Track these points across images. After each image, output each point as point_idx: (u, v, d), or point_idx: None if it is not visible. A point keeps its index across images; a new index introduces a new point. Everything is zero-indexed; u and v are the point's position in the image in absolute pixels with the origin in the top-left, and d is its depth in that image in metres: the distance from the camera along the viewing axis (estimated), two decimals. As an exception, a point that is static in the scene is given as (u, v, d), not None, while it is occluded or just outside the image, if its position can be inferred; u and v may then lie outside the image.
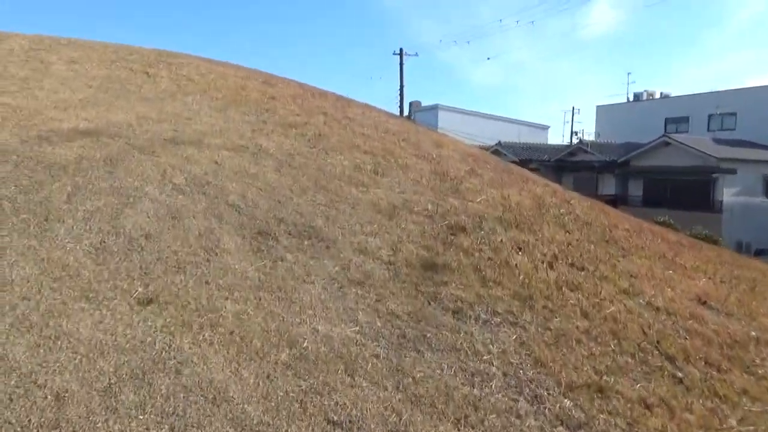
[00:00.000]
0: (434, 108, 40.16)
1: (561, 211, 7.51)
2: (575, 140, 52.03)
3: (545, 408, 3.53)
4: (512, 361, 3.94)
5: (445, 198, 6.87)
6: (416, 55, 31.86)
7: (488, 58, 67.79)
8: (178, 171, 5.63)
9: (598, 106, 42.42)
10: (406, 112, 34.43)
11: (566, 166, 34.03)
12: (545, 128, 43.37)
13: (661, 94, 41.73)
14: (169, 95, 8.72)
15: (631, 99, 42.24)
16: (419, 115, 38.66)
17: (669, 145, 29.49)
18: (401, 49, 31.48)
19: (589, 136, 41.98)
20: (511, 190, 8.17)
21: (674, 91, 40.51)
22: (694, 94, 37.54)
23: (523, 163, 34.07)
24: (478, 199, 7.18)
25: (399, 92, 32.66)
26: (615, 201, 31.92)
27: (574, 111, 48.89)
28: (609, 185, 32.04)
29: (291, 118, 8.96)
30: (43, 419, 2.70)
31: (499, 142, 35.09)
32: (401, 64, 31.44)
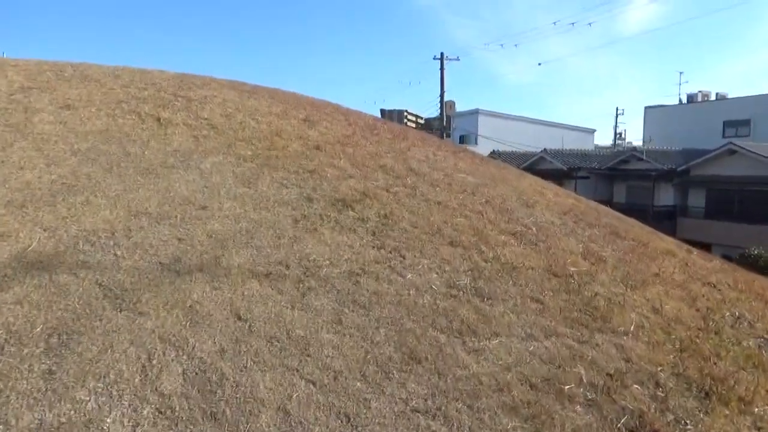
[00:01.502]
0: (474, 113, 37.24)
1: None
2: (619, 142, 48.44)
3: None
4: None
5: (586, 338, 4.28)
6: (457, 59, 29.04)
7: (539, 64, 63.18)
8: (171, 359, 3.15)
9: (646, 108, 38.85)
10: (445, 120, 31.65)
11: (618, 174, 30.88)
12: (591, 132, 39.99)
13: (717, 94, 38.03)
14: (181, 159, 6.28)
15: (684, 100, 38.58)
16: (458, 120, 35.84)
17: (735, 153, 26.13)
18: (442, 54, 28.72)
19: (635, 137, 38.64)
20: (654, 290, 5.53)
21: (731, 92, 36.77)
22: (758, 95, 33.78)
23: (570, 171, 31.12)
24: (632, 327, 4.57)
25: (440, 98, 29.90)
26: (673, 213, 28.77)
27: (618, 112, 45.26)
28: (666, 196, 28.83)
29: (344, 185, 6.45)
30: None
31: (545, 149, 32.07)
32: (441, 68, 28.67)
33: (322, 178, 6.57)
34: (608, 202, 32.05)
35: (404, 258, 4.93)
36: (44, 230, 4.21)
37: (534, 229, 6.68)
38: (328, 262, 4.53)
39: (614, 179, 31.33)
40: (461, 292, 4.53)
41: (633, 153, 29.93)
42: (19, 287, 3.50)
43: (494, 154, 34.37)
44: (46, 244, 4.03)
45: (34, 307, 3.34)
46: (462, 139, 37.40)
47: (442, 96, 29.56)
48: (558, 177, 31.58)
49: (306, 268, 4.37)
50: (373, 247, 5.00)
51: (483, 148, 35.47)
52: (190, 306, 3.59)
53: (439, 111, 32.76)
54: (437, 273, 4.79)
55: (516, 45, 70.41)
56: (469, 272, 4.93)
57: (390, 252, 4.98)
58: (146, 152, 6.32)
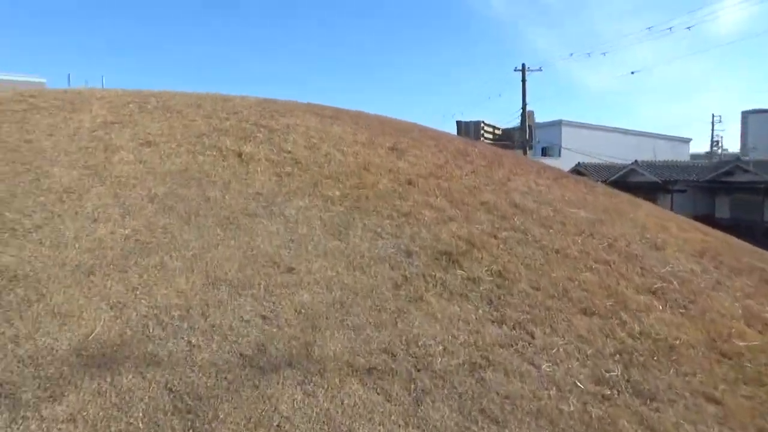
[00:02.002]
0: (557, 124, 35.36)
1: None
2: (714, 149, 44.60)
3: None
4: None
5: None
6: (540, 70, 27.47)
7: (632, 72, 59.30)
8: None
9: (745, 113, 35.42)
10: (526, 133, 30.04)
11: (720, 187, 28.12)
12: (686, 141, 36.94)
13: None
14: (264, 204, 5.58)
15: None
16: (540, 132, 34.09)
17: None
18: (523, 65, 27.23)
19: (732, 146, 35.31)
20: None
21: None
22: None
23: (665, 184, 28.67)
24: None
25: (521, 111, 28.41)
26: (786, 230, 25.76)
27: (714, 119, 41.63)
28: (778, 211, 25.88)
29: (445, 231, 5.52)
30: None
31: (636, 161, 29.79)
32: (523, 80, 27.19)
33: (419, 222, 5.68)
34: (709, 217, 29.30)
35: (533, 337, 3.92)
36: (111, 308, 3.55)
37: (675, 282, 5.48)
38: (441, 347, 3.61)
39: (716, 193, 28.58)
40: (614, 391, 3.47)
41: (738, 164, 27.13)
42: (75, 395, 2.81)
43: (579, 167, 32.37)
44: (112, 327, 3.36)
45: (90, 427, 2.63)
46: (544, 152, 35.60)
47: (524, 109, 28.07)
48: (651, 191, 29.22)
49: (416, 357, 3.47)
50: (493, 322, 4.03)
51: (566, 160, 33.54)
52: (278, 425, 2.77)
53: (519, 122, 31.25)
54: (578, 359, 3.75)
55: (604, 54, 66.52)
56: (617, 356, 3.86)
57: (514, 328, 4.00)
58: (227, 196, 5.67)
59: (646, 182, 28.99)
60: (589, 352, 3.85)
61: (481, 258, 5.05)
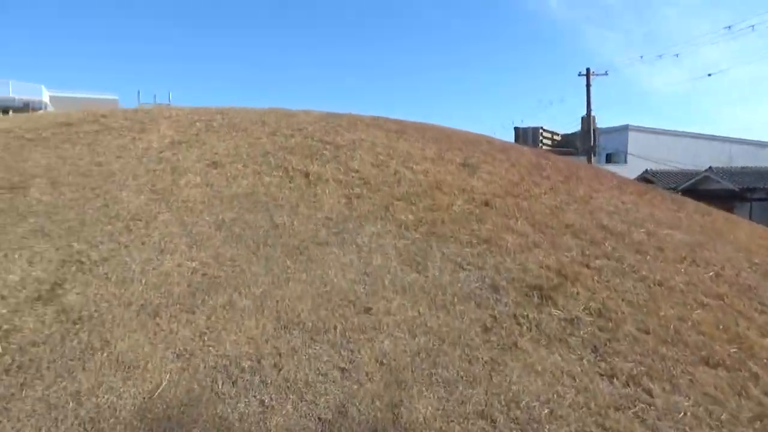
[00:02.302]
0: (623, 129, 33.73)
1: None
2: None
3: None
4: None
5: None
6: (606, 74, 26.15)
7: (709, 75, 55.72)
8: None
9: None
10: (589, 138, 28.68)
11: (807, 195, 25.91)
12: (765, 146, 34.39)
13: None
14: (335, 231, 5.20)
15: None
16: (604, 138, 32.59)
17: None
18: (588, 69, 25.96)
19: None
20: None
21: None
22: None
23: (743, 192, 26.68)
24: None
25: (586, 116, 27.13)
26: None
27: None
28: None
29: (531, 260, 4.98)
30: None
31: (711, 167, 27.91)
32: (588, 85, 25.93)
33: (501, 250, 5.15)
34: (794, 228, 27.06)
35: (651, 395, 3.32)
36: (177, 357, 3.23)
37: (803, 321, 4.71)
38: (547, 410, 3.08)
39: (802, 201, 26.35)
40: (765, 473, 2.84)
41: (827, 170, 24.91)
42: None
43: (647, 174, 30.67)
44: (179, 382, 3.03)
45: None
46: (609, 158, 34.03)
47: (588, 114, 26.77)
48: (728, 199, 27.27)
49: (519, 424, 2.95)
50: (602, 376, 3.46)
51: (633, 167, 31.88)
52: None
53: (579, 127, 29.89)
54: (711, 426, 3.13)
55: (677, 55, 63.01)
56: (758, 424, 3.21)
57: (627, 384, 3.41)
58: (295, 222, 5.33)
59: (722, 190, 27.07)
60: (722, 416, 3.22)
61: (577, 293, 4.47)
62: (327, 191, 6.23)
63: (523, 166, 8.62)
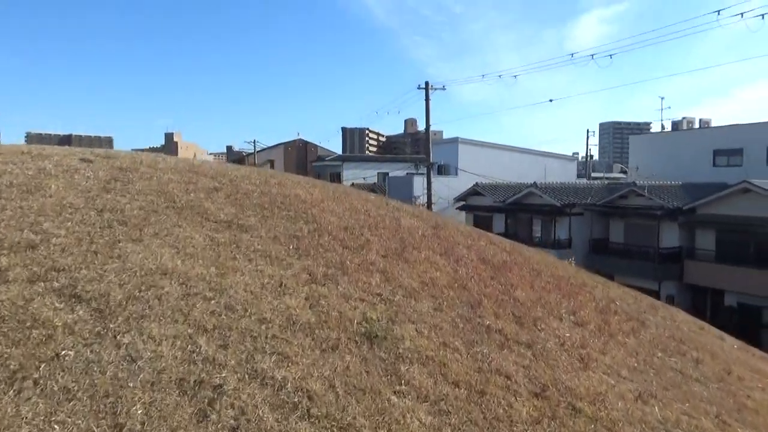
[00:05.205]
0: (454, 141, 32.84)
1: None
2: (589, 162, 44.85)
3: None
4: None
5: None
6: (443, 88, 24.37)
7: (551, 100, 57.91)
8: None
9: (632, 137, 35.22)
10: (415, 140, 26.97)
11: (615, 211, 26.81)
12: (573, 159, 36.09)
13: (701, 121, 34.74)
14: None
15: (668, 127, 35.13)
16: (435, 149, 31.25)
17: (749, 191, 22.41)
18: (427, 83, 23.89)
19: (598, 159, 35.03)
20: None
21: (714, 119, 33.55)
22: (750, 123, 30.58)
23: (564, 207, 26.89)
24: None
25: (425, 131, 25.20)
26: (679, 255, 24.76)
27: (589, 134, 41.40)
28: (671, 236, 24.82)
29: None
30: None
31: (535, 183, 27.82)
32: (427, 98, 23.86)
33: None
34: (604, 241, 28.06)
35: None
36: None
37: None
38: None
39: (611, 216, 27.25)
40: None
41: (633, 189, 25.90)
42: None
43: (477, 187, 29.98)
44: None
45: None
46: (440, 170, 32.92)
47: (427, 129, 24.78)
48: (550, 214, 27.41)
49: None
50: None
51: (463, 180, 31.09)
52: None
53: (402, 130, 28.40)
54: None
55: (483, 76, 65.51)
56: None
57: None
58: None
59: (545, 205, 27.08)
60: None
61: None
62: None
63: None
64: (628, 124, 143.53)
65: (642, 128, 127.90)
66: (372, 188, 38.72)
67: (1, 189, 5.12)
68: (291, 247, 5.08)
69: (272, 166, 47.58)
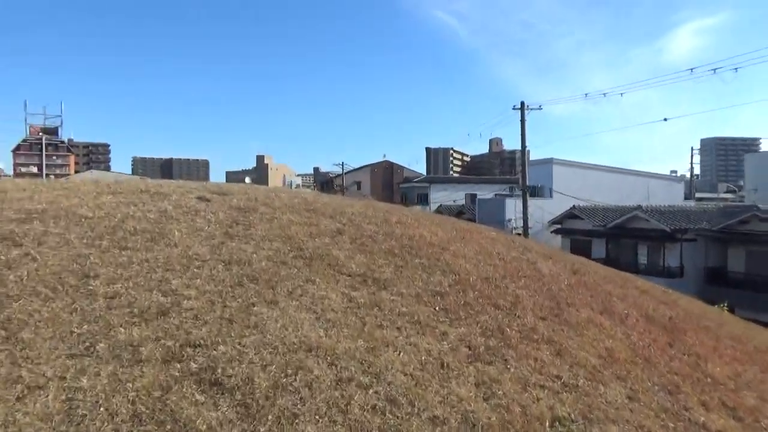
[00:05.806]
0: (548, 162, 31.19)
1: None
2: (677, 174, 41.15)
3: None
4: None
5: None
6: (540, 108, 23.08)
7: (665, 119, 54.47)
8: None
9: (748, 155, 31.85)
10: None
11: (735, 237, 24.05)
12: (680, 180, 33.18)
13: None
14: None
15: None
16: (530, 170, 29.72)
17: None
18: (522, 103, 22.74)
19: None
20: None
21: None
22: None
23: (675, 232, 24.53)
24: None
25: (521, 152, 24.02)
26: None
27: (693, 152, 37.86)
28: (804, 266, 21.81)
29: None
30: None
31: (640, 206, 25.64)
32: (522, 119, 22.70)
33: None
34: (722, 270, 25.27)
35: None
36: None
37: None
38: None
39: (729, 243, 24.49)
40: None
41: (755, 213, 23.13)
42: None
43: (575, 210, 28.16)
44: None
45: None
46: (534, 192, 31.32)
47: (523, 151, 23.63)
48: (659, 239, 25.10)
49: None
50: None
51: (558, 202, 29.34)
52: None
53: (486, 150, 27.05)
54: None
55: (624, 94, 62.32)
56: None
57: None
58: None
59: (652, 230, 24.84)
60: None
61: None
62: None
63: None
64: (733, 140, 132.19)
65: (749, 144, 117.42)
66: (460, 210, 37.61)
67: (126, 237, 4.77)
68: (437, 308, 4.33)
69: (359, 188, 47.83)
